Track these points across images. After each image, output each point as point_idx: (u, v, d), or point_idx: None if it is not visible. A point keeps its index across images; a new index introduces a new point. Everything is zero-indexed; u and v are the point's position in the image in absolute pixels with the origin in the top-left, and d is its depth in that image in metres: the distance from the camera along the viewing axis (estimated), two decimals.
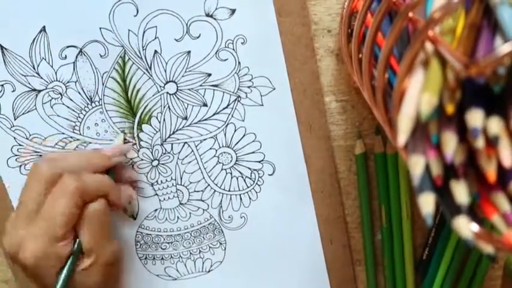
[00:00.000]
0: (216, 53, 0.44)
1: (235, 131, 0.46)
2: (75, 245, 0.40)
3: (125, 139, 0.47)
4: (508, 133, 0.22)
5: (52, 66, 0.45)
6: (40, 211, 0.39)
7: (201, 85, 0.45)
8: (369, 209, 0.48)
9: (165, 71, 0.45)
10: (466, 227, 0.22)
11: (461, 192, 0.22)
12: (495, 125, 0.21)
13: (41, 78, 0.45)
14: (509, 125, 0.21)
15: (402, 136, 0.22)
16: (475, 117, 0.21)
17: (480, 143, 0.21)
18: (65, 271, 0.39)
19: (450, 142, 0.22)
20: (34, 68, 0.45)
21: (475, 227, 0.22)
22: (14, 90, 0.45)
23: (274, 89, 0.45)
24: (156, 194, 0.48)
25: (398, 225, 0.48)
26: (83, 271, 0.40)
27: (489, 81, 0.22)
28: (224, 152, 0.47)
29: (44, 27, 0.44)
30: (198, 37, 0.44)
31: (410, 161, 0.22)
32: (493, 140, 0.21)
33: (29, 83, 0.45)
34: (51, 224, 0.39)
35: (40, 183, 0.40)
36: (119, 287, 0.48)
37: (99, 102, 0.45)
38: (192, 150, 0.47)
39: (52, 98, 0.46)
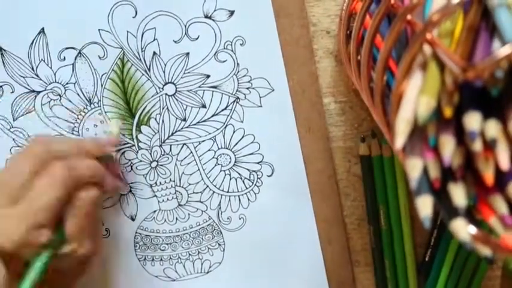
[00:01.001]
0: (214, 54, 0.44)
1: (234, 132, 0.46)
2: (57, 233, 0.38)
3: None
4: (505, 136, 0.22)
5: (51, 68, 0.45)
6: (24, 194, 0.37)
7: (199, 86, 0.45)
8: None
9: (164, 73, 0.45)
10: (463, 229, 0.22)
11: (459, 194, 0.22)
12: (493, 128, 0.21)
13: (40, 79, 0.45)
14: (507, 128, 0.21)
15: (399, 139, 0.22)
16: (473, 120, 0.21)
17: (478, 145, 0.21)
18: (39, 262, 0.37)
19: (448, 145, 0.22)
20: (33, 70, 0.45)
21: (472, 229, 0.22)
22: (13, 92, 0.45)
23: (273, 90, 0.45)
24: (155, 196, 0.48)
25: (398, 226, 0.48)
26: (61, 257, 0.39)
27: (487, 85, 0.22)
28: (223, 154, 0.47)
29: (42, 28, 0.44)
30: (196, 38, 0.44)
31: (408, 164, 0.22)
32: (490, 143, 0.21)
33: (28, 84, 0.45)
34: (35, 210, 0.37)
35: (31, 163, 0.38)
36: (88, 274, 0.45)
37: (98, 103, 0.45)
38: (191, 152, 0.47)
39: (51, 100, 0.46)
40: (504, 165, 0.21)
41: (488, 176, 0.22)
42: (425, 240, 0.49)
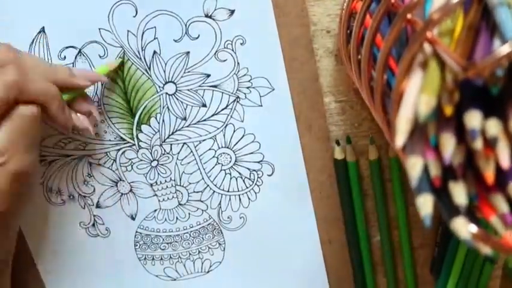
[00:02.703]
0: (215, 53, 0.44)
1: (234, 131, 0.46)
2: None
3: (122, 64, 0.45)
4: (506, 134, 0.22)
5: None
6: None
7: (200, 86, 0.45)
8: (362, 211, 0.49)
9: (164, 72, 0.45)
10: (464, 228, 0.22)
11: (459, 193, 0.22)
12: (493, 127, 0.21)
13: None
14: (508, 127, 0.21)
15: (400, 138, 0.22)
16: (473, 119, 0.21)
17: (478, 144, 0.21)
18: None
19: (448, 143, 0.22)
20: None
21: (473, 228, 0.22)
22: None
23: (273, 89, 0.45)
24: (156, 195, 0.48)
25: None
26: None
27: (487, 83, 0.22)
28: (223, 153, 0.47)
29: (43, 27, 0.44)
30: (197, 38, 0.44)
31: (409, 162, 0.22)
32: (491, 142, 0.21)
33: None
34: None
35: None
36: (22, 206, 0.42)
37: (98, 103, 0.45)
38: (191, 151, 0.47)
39: None
40: (505, 163, 0.21)
41: (489, 175, 0.22)
42: (427, 240, 0.49)
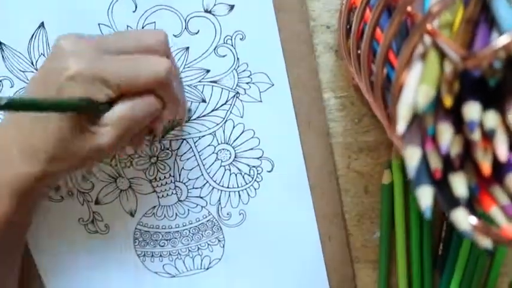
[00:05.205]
0: (214, 49, 0.44)
1: (233, 127, 0.46)
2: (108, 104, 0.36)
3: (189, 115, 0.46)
4: (503, 127, 0.22)
5: None
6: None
7: (199, 81, 0.45)
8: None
9: None
10: (464, 219, 0.22)
11: (459, 184, 0.22)
12: (491, 119, 0.21)
13: None
14: (505, 119, 0.21)
15: (401, 124, 0.22)
16: (472, 110, 0.21)
17: (476, 136, 0.21)
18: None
19: (445, 133, 0.22)
20: (33, 64, 0.45)
21: (473, 219, 0.22)
22: (12, 86, 0.45)
23: (272, 85, 0.45)
24: (155, 191, 0.48)
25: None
26: (83, 133, 0.36)
27: (485, 75, 0.22)
28: (223, 149, 0.47)
29: (42, 23, 0.44)
30: (196, 33, 0.44)
31: (406, 153, 0.22)
32: (489, 134, 0.21)
33: (28, 79, 0.45)
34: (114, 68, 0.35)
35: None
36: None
37: None
38: (191, 147, 0.47)
39: None
40: (502, 156, 0.21)
41: (486, 167, 0.22)
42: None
